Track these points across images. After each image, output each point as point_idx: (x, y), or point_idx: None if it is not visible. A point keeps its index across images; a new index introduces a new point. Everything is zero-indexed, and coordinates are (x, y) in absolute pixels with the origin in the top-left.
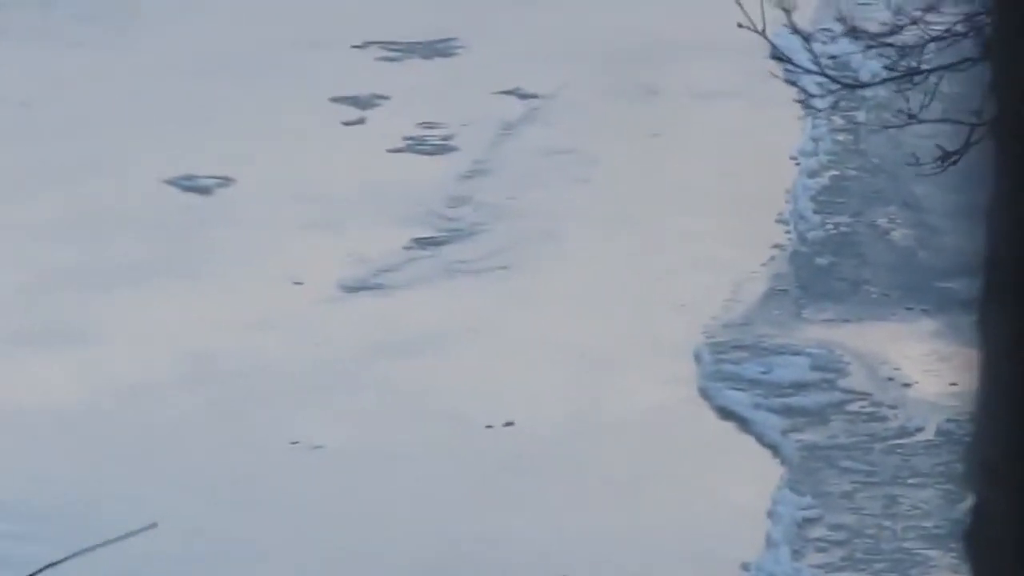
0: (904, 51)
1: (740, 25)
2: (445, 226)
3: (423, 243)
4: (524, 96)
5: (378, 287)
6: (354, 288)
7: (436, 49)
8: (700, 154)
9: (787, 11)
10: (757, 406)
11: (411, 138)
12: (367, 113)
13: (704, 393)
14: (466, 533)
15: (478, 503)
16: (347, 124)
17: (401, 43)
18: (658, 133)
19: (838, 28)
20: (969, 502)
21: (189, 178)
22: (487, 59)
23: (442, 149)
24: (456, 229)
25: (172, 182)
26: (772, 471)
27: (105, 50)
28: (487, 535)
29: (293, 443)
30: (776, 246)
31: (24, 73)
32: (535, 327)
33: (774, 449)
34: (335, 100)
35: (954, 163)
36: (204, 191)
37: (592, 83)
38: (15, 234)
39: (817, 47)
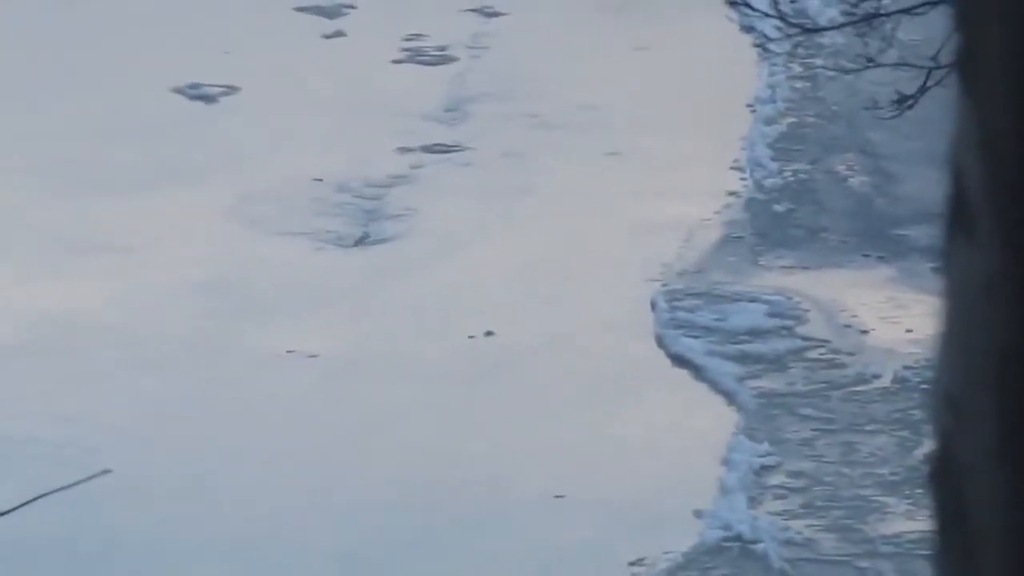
0: None
1: None
2: (442, 137)
3: (428, 149)
4: (490, 14)
5: (377, 196)
6: (361, 194)
7: None
8: (652, 106)
9: None
10: (712, 353)
11: (407, 49)
12: (338, 23)
13: (659, 340)
14: (432, 447)
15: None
16: (326, 37)
17: None
18: (609, 78)
19: None
20: (926, 446)
21: (195, 87)
22: None
23: (442, 59)
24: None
25: (179, 91)
26: (728, 418)
27: None
28: (450, 449)
29: (289, 351)
30: (732, 193)
31: None
32: (506, 248)
33: (729, 396)
34: (300, 10)
35: (911, 107)
36: (210, 99)
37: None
38: (32, 143)
39: None
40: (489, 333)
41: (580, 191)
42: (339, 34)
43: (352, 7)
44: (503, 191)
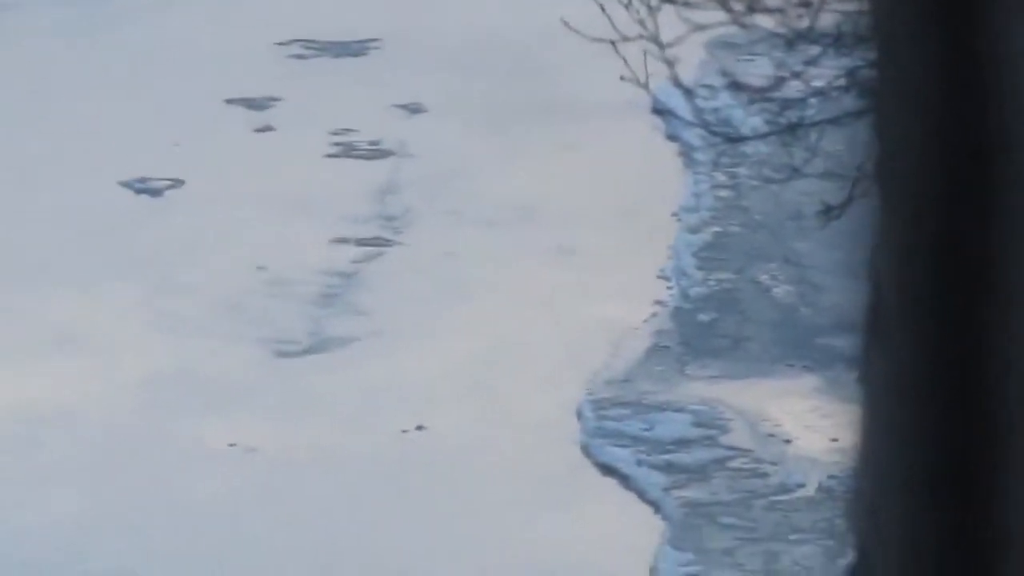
0: (786, 105)
1: (622, 78)
2: (378, 232)
3: (358, 243)
4: (416, 111)
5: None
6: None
7: (350, 49)
8: (578, 210)
9: (670, 64)
10: (639, 463)
11: (339, 144)
12: (267, 116)
13: (586, 450)
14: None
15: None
16: (257, 131)
17: (320, 41)
18: (539, 177)
19: (720, 82)
20: (850, 556)
21: (143, 180)
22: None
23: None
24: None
25: (126, 184)
26: (654, 528)
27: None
28: (373, 543)
29: (231, 445)
30: (658, 302)
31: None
32: (438, 346)
33: (656, 506)
34: (229, 102)
35: (836, 217)
36: (156, 192)
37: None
38: None
39: (699, 102)
40: (420, 427)
41: (512, 292)
42: (268, 128)
43: (278, 99)
44: (437, 289)
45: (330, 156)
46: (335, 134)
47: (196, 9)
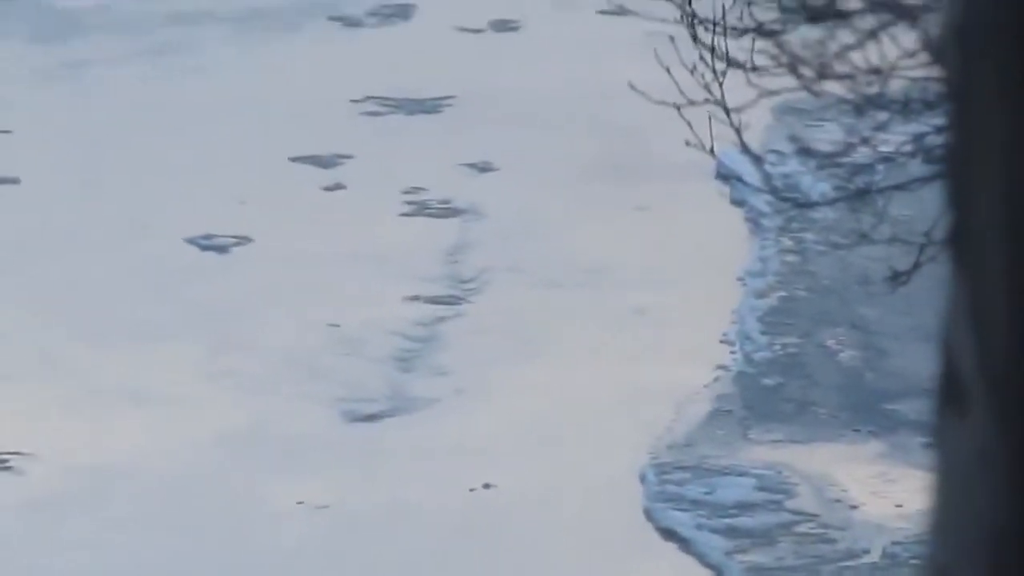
0: (854, 171)
1: (688, 143)
2: (451, 291)
3: (436, 300)
4: (485, 169)
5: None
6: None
7: (424, 107)
8: (645, 272)
9: (737, 130)
10: (700, 527)
11: (414, 203)
12: (336, 174)
13: (648, 514)
14: None
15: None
16: (326, 189)
17: (395, 99)
18: (611, 238)
19: (788, 148)
20: None
21: (208, 237)
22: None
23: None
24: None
25: (192, 240)
26: None
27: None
28: None
29: (299, 503)
30: (721, 367)
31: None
32: (507, 407)
33: (717, 570)
34: (295, 160)
35: (904, 283)
36: (223, 249)
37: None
38: (49, 292)
39: (767, 167)
40: (487, 486)
41: (578, 352)
42: (339, 186)
43: (348, 157)
44: (508, 350)
45: (403, 215)
46: (406, 192)
47: (276, 62)
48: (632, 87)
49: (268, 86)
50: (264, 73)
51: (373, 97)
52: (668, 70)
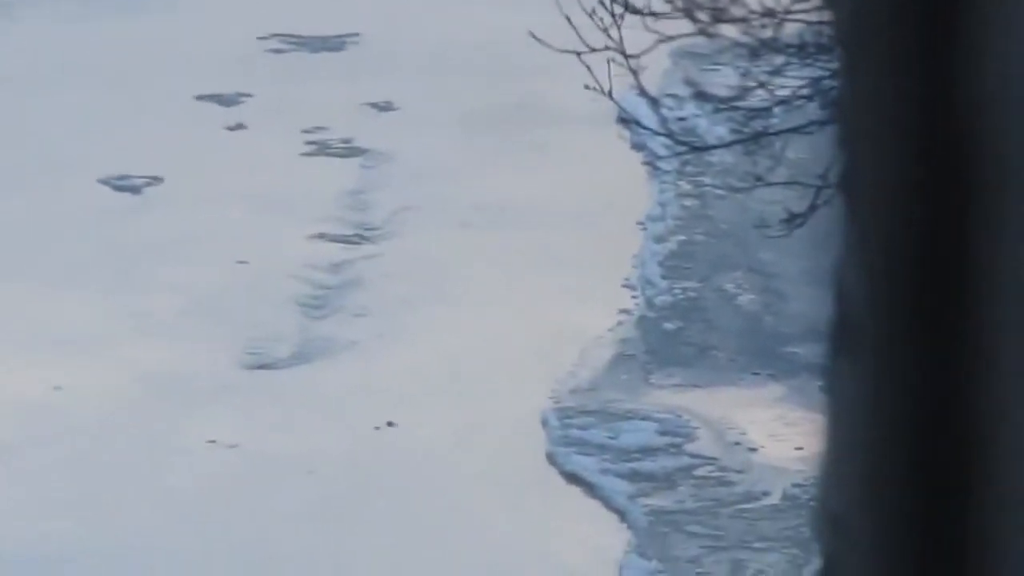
0: (751, 114)
1: (587, 87)
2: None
3: (342, 239)
4: (386, 109)
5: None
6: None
7: (329, 44)
8: (547, 218)
9: (635, 74)
10: (604, 471)
11: (315, 142)
12: (238, 113)
13: (551, 458)
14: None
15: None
16: (229, 128)
17: (303, 36)
18: (512, 177)
19: (685, 92)
20: (816, 564)
21: (123, 178)
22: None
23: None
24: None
25: (106, 181)
26: (619, 536)
27: None
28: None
29: (210, 442)
30: (623, 311)
31: None
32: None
33: (621, 514)
34: (200, 98)
35: (800, 225)
36: (136, 190)
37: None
38: None
39: (664, 111)
40: (391, 424)
41: (489, 297)
42: (240, 126)
43: (249, 96)
44: (417, 291)
45: (304, 155)
46: (307, 131)
47: (197, 4)
48: (533, 36)
49: (179, 24)
50: (176, 12)
51: (278, 35)
52: (568, 18)
